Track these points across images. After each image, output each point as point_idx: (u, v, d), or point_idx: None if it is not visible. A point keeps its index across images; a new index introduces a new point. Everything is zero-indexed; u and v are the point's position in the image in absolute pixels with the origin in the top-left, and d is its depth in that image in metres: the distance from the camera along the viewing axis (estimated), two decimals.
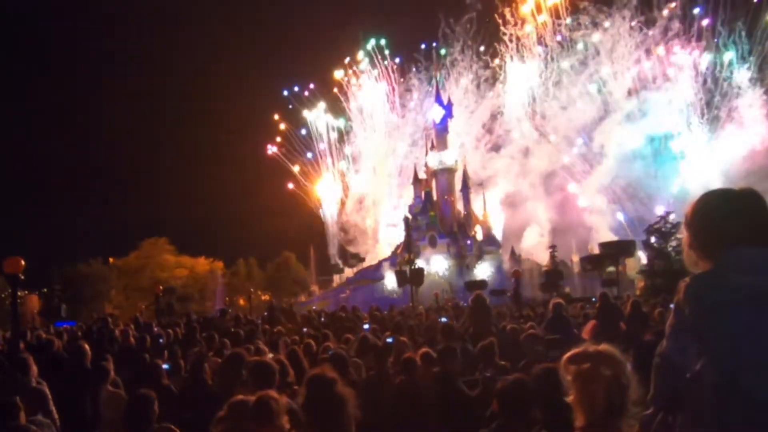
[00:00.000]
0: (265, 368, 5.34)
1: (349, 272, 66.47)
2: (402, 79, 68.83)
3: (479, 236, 57.58)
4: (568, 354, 2.46)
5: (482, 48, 64.64)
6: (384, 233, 65.06)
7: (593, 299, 23.23)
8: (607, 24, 59.43)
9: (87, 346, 7.42)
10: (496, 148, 64.24)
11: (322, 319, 17.59)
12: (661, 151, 58.15)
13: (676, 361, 2.37)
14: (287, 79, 69.57)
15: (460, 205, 60.04)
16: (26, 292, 44.61)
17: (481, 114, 65.12)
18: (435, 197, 60.12)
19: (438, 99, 61.43)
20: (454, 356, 6.16)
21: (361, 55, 68.43)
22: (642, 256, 46.21)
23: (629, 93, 59.31)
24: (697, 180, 49.43)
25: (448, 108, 61.14)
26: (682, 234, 2.50)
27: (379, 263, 59.43)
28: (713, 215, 2.37)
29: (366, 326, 11.57)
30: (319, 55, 70.48)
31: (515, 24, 62.02)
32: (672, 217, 38.04)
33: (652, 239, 40.35)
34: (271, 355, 7.32)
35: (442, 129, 60.72)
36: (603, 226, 54.97)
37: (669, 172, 57.06)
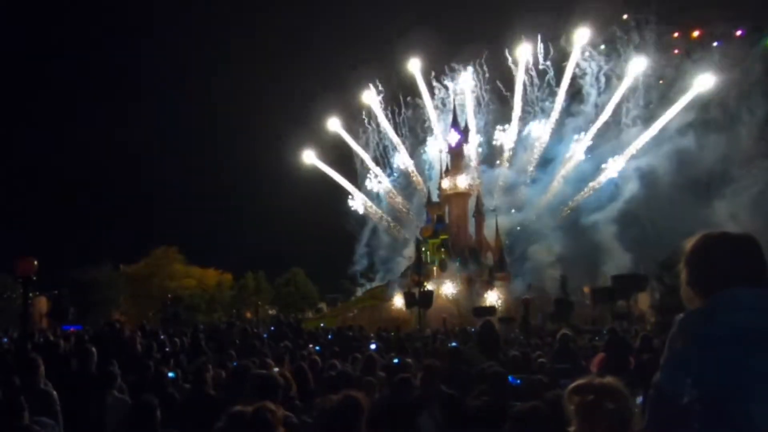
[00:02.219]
0: (269, 381, 5.33)
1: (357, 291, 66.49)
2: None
3: (490, 262, 57.42)
4: (573, 385, 2.52)
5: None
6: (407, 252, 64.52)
7: (604, 331, 23.02)
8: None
9: (94, 350, 7.45)
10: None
11: (329, 336, 17.57)
12: (705, 186, 56.12)
13: (668, 392, 2.45)
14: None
15: (472, 230, 59.99)
16: (37, 293, 44.84)
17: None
18: (447, 221, 60.17)
19: (454, 124, 61.70)
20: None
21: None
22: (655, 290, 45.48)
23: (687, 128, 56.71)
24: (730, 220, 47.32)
25: (464, 133, 61.44)
26: (682, 270, 2.64)
27: (389, 283, 59.34)
28: (709, 256, 2.53)
29: (373, 346, 11.55)
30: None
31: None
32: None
33: (665, 275, 39.80)
34: (276, 369, 7.31)
35: (457, 153, 60.95)
36: (619, 257, 54.12)
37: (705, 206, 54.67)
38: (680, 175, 54.76)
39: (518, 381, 6.60)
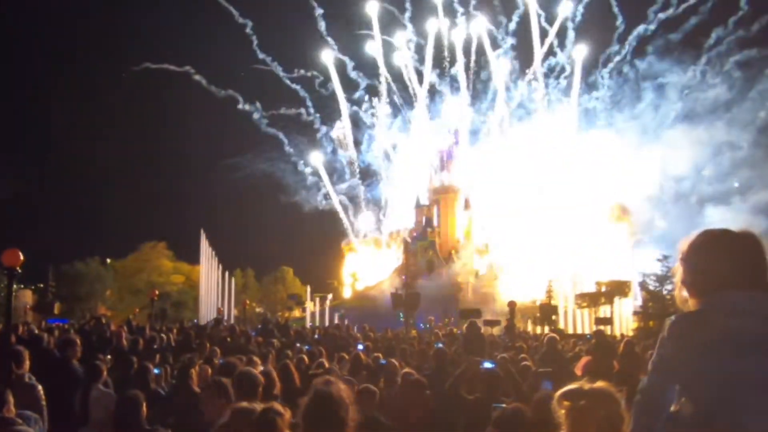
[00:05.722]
0: (250, 379, 5.29)
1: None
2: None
3: (477, 263, 57.55)
4: (565, 389, 2.44)
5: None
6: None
7: (588, 336, 23.18)
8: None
9: (78, 341, 7.43)
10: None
11: (316, 335, 17.57)
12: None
13: (657, 399, 2.36)
14: None
15: (460, 232, 60.10)
16: (21, 286, 44.39)
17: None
18: (436, 222, 60.29)
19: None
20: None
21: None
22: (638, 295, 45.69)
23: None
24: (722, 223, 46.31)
25: (455, 135, 61.63)
26: (677, 270, 2.49)
27: (375, 284, 59.35)
28: (707, 256, 2.36)
29: (360, 346, 11.57)
30: None
31: None
32: (671, 260, 37.80)
33: (649, 281, 40.15)
34: (262, 368, 7.30)
35: (448, 155, 61.12)
36: (605, 263, 54.10)
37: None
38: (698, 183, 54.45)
39: (493, 364, 6.65)
